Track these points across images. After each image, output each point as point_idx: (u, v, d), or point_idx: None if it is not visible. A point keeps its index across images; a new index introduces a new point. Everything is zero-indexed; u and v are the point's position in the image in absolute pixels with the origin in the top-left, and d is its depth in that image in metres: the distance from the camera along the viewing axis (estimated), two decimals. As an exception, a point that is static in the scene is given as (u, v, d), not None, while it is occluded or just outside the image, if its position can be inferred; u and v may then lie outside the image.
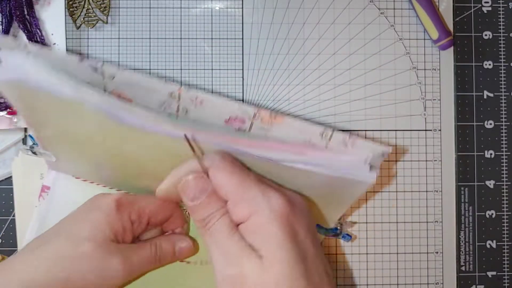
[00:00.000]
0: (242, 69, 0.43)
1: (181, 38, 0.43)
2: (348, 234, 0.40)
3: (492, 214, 0.44)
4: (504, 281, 0.43)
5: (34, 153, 0.39)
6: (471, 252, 0.43)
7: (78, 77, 0.31)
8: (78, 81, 0.31)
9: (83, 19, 0.42)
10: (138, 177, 0.38)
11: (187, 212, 0.39)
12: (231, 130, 0.33)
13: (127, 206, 0.35)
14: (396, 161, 0.43)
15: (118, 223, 0.34)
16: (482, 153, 0.44)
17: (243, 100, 0.43)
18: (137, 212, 0.36)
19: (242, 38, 0.43)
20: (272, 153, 0.31)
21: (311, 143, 0.32)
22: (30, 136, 0.41)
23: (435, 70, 0.44)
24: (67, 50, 0.42)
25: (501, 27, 0.44)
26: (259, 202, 0.29)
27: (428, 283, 0.43)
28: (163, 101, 0.33)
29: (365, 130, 0.43)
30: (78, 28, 0.42)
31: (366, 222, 0.43)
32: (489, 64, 0.44)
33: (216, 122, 0.33)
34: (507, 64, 0.44)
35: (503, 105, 0.44)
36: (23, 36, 0.41)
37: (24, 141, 0.42)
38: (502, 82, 0.44)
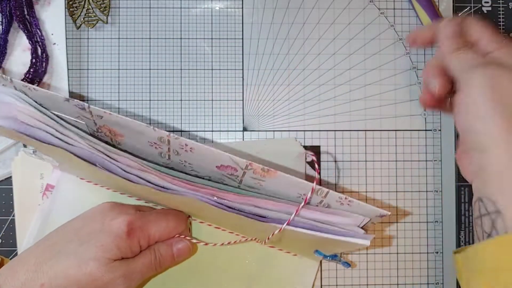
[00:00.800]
0: (242, 69, 0.43)
1: (181, 38, 0.43)
2: (347, 262, 0.40)
3: (492, 214, 0.44)
4: (504, 281, 0.43)
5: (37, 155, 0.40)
6: (471, 252, 0.43)
7: (66, 113, 0.33)
8: (64, 125, 0.33)
9: (83, 19, 0.42)
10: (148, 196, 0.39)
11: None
12: (227, 185, 0.34)
13: (138, 232, 0.36)
14: (396, 161, 0.43)
15: (127, 248, 0.35)
16: (482, 153, 0.44)
17: (242, 100, 0.43)
18: (147, 238, 0.36)
19: (242, 38, 0.43)
20: (264, 210, 0.33)
21: (305, 203, 0.32)
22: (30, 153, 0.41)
23: (435, 70, 0.44)
24: (67, 50, 0.42)
25: (501, 27, 0.44)
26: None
27: (428, 283, 0.43)
28: (153, 142, 0.33)
29: (365, 130, 0.43)
30: (78, 28, 0.42)
31: (366, 222, 0.43)
32: (489, 64, 0.44)
33: (207, 167, 0.34)
34: (507, 64, 0.44)
35: (503, 105, 0.44)
36: (24, 36, 0.41)
37: (24, 141, 0.42)
38: (502, 82, 0.44)
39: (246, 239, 0.39)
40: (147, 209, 0.39)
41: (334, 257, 0.38)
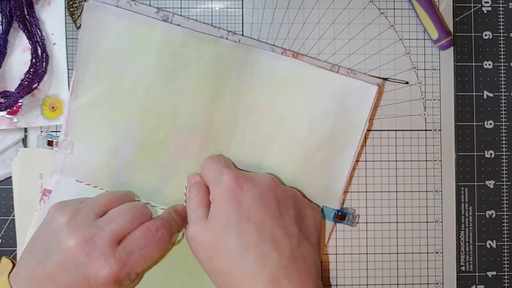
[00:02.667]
0: (242, 69, 0.43)
1: (181, 38, 0.43)
2: (354, 215, 0.42)
3: (492, 214, 0.44)
4: (504, 281, 0.43)
5: (51, 143, 0.40)
6: (471, 252, 0.43)
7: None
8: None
9: (83, 19, 0.42)
10: (157, 157, 0.41)
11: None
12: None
13: (125, 281, 0.35)
14: (396, 161, 0.43)
15: None
16: (482, 153, 0.44)
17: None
18: (134, 276, 0.36)
19: (242, 38, 0.43)
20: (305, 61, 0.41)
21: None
22: (49, 135, 0.41)
23: (435, 70, 0.44)
24: (67, 50, 0.42)
25: (501, 27, 0.44)
26: (216, 179, 0.37)
27: (428, 283, 0.43)
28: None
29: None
30: (78, 28, 0.42)
31: (366, 222, 0.43)
32: (489, 64, 0.44)
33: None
34: (507, 64, 0.44)
35: (503, 105, 0.44)
36: (24, 36, 0.41)
37: (24, 141, 0.42)
38: (502, 82, 0.44)
39: None
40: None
41: (342, 212, 0.41)
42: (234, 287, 0.34)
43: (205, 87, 0.40)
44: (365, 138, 0.43)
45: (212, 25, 0.42)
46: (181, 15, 0.41)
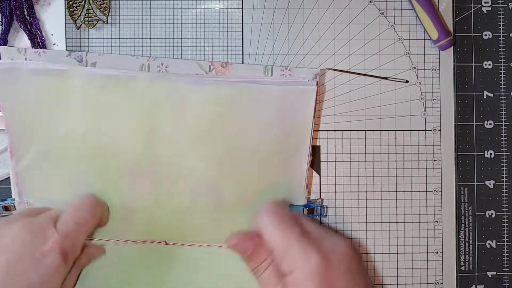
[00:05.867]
0: (242, 69, 0.43)
1: (181, 38, 0.43)
2: (322, 205, 0.42)
3: (492, 214, 0.44)
4: (504, 281, 0.43)
5: (7, 209, 0.39)
6: (471, 252, 0.43)
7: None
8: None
9: (83, 19, 0.42)
10: (115, 172, 0.40)
11: None
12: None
13: (71, 251, 0.35)
14: (396, 161, 0.43)
15: (66, 271, 0.35)
16: (482, 153, 0.44)
17: (243, 100, 0.43)
18: (79, 248, 0.36)
19: (242, 38, 0.43)
20: (233, 81, 0.40)
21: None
22: (2, 200, 0.41)
23: (435, 70, 0.44)
24: (67, 50, 0.42)
25: (501, 27, 0.44)
26: (299, 260, 0.33)
27: (428, 283, 0.43)
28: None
29: (365, 130, 0.43)
30: (78, 28, 0.43)
31: (366, 222, 0.43)
32: (489, 64, 0.44)
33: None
34: (507, 64, 0.44)
35: (502, 105, 0.44)
36: (24, 36, 0.41)
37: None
38: (502, 82, 0.44)
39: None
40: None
41: (308, 205, 0.41)
42: None
43: (139, 124, 0.40)
44: (365, 138, 0.43)
45: (131, 55, 0.42)
46: (95, 52, 0.41)
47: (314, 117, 0.41)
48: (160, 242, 0.40)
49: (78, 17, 0.42)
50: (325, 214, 0.42)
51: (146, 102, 0.39)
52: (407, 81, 0.43)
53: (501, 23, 0.44)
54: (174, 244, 0.40)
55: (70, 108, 0.39)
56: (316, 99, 0.40)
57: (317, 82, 0.41)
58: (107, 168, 0.40)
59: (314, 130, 0.42)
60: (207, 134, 0.40)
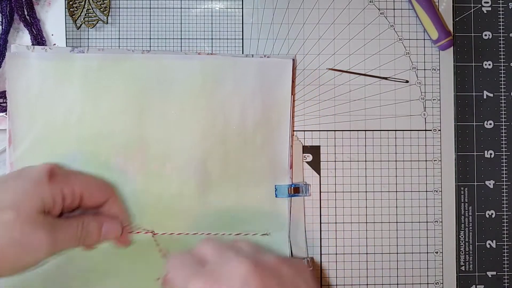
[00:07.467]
0: (242, 69, 0.43)
1: (181, 38, 0.43)
2: (305, 184, 0.42)
3: (492, 214, 0.44)
4: (504, 281, 0.43)
5: None
6: (471, 252, 0.43)
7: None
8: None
9: (83, 19, 0.42)
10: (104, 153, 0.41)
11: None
12: None
13: (60, 178, 0.34)
14: (396, 161, 0.43)
15: (48, 195, 0.32)
16: (482, 153, 0.44)
17: (243, 100, 0.43)
18: (70, 186, 0.34)
19: (242, 38, 0.43)
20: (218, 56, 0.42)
21: None
22: None
23: (434, 70, 0.44)
24: (67, 50, 0.42)
25: (501, 27, 0.44)
26: None
27: (428, 283, 0.43)
28: None
29: (365, 130, 0.43)
30: (78, 28, 0.43)
31: (366, 222, 0.43)
32: (489, 64, 0.44)
33: None
34: (506, 64, 0.44)
35: (502, 105, 0.44)
36: (24, 36, 0.41)
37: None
38: (502, 82, 0.44)
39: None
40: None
41: (296, 185, 0.42)
42: None
43: (130, 104, 0.41)
44: (365, 138, 0.43)
45: (126, 48, 0.43)
46: (95, 47, 0.41)
47: (292, 93, 0.42)
48: (147, 232, 0.41)
49: (78, 17, 0.42)
50: (309, 193, 0.43)
51: (137, 81, 0.41)
52: (407, 81, 0.43)
53: (501, 23, 0.44)
54: (163, 233, 0.41)
55: (70, 90, 0.41)
56: (293, 74, 0.42)
57: (293, 59, 0.42)
58: (99, 153, 0.41)
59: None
60: (193, 109, 0.41)
